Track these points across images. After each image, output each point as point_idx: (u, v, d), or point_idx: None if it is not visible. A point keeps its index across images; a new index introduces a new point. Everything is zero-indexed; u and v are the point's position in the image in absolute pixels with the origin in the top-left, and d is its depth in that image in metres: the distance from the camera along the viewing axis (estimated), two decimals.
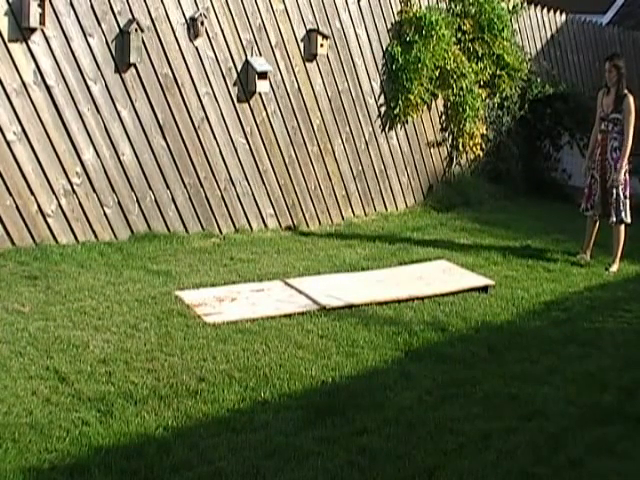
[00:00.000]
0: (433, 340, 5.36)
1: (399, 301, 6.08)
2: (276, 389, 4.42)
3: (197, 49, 7.62)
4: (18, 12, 6.45)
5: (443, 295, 6.30)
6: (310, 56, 8.49)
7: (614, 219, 7.60)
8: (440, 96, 9.77)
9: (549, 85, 11.18)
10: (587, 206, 7.78)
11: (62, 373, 4.43)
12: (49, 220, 6.79)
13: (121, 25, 7.06)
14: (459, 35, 9.83)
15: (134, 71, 7.22)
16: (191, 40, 7.57)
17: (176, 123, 7.52)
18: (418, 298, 6.18)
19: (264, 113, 8.15)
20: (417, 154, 9.80)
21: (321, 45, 8.45)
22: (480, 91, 10.07)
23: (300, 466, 3.61)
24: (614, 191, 7.55)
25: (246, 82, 7.94)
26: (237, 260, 7.01)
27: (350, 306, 5.88)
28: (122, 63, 7.11)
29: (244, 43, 7.93)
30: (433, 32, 9.14)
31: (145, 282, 6.16)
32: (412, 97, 9.28)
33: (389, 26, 9.26)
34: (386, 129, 9.38)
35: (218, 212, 7.87)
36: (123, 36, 7.05)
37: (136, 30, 7.05)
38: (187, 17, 7.51)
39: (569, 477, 3.71)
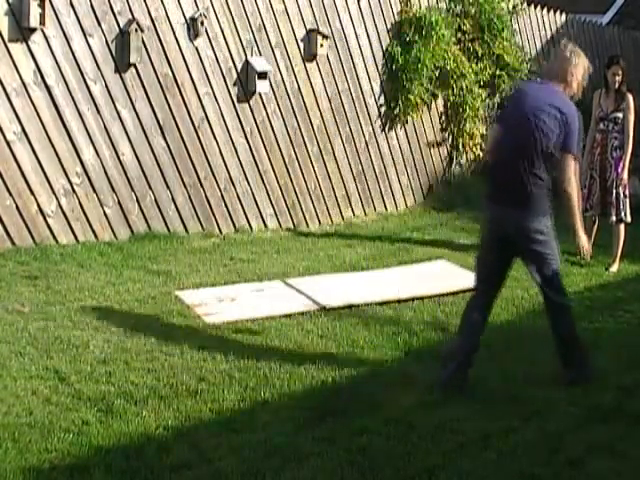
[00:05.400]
0: (433, 340, 5.35)
1: (399, 301, 6.07)
2: (276, 389, 4.41)
3: (197, 49, 7.62)
4: (18, 12, 6.45)
5: (443, 295, 6.29)
6: (310, 56, 8.49)
7: (614, 218, 7.58)
8: (440, 96, 9.77)
9: None
10: (586, 206, 7.75)
11: (62, 373, 4.42)
12: (49, 220, 6.79)
13: (121, 25, 7.06)
14: (459, 35, 9.83)
15: (134, 71, 7.21)
16: (191, 40, 7.57)
17: (176, 123, 7.52)
18: (418, 298, 6.18)
19: (264, 113, 8.15)
20: (417, 154, 9.79)
21: (321, 45, 8.45)
22: (480, 91, 10.07)
23: (300, 466, 3.60)
24: (614, 190, 7.55)
25: (246, 82, 7.94)
26: (237, 260, 7.01)
27: (350, 306, 5.87)
28: (122, 63, 7.11)
29: (244, 43, 7.93)
30: (433, 32, 9.13)
31: (145, 282, 6.16)
32: (412, 97, 9.27)
33: (389, 26, 9.26)
34: (386, 129, 9.38)
35: (218, 212, 7.87)
36: (123, 36, 7.06)
37: (136, 30, 7.05)
38: (187, 17, 7.51)
39: (569, 477, 3.70)
